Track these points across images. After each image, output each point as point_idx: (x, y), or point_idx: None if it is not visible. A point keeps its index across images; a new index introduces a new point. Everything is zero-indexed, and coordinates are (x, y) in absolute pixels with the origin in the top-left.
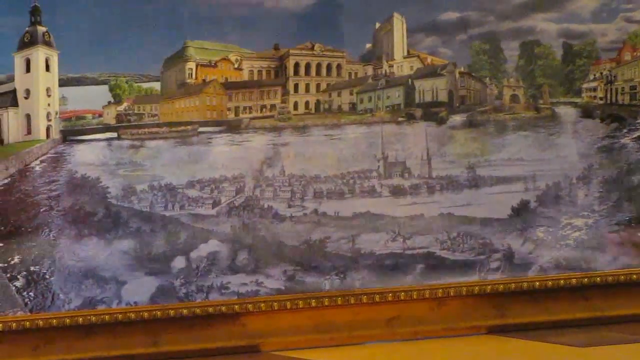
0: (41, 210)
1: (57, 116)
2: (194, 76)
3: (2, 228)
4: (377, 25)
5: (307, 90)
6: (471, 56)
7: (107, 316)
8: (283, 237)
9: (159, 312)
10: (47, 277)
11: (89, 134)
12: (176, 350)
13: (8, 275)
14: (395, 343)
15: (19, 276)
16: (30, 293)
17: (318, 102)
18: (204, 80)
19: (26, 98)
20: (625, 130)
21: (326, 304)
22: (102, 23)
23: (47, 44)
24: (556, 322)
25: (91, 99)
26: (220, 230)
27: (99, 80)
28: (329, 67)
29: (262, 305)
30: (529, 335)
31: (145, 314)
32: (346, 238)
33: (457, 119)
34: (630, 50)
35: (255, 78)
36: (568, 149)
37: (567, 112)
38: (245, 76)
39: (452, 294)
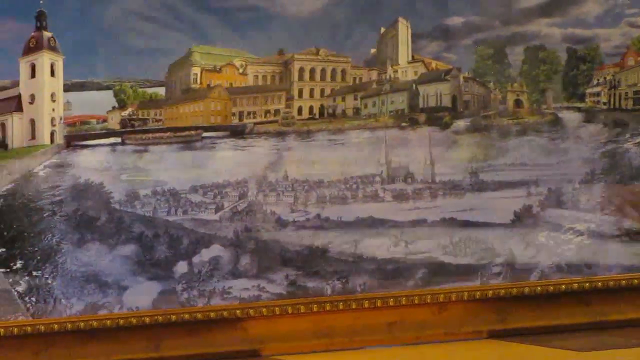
0: (44, 215)
1: (62, 121)
2: (198, 81)
3: (5, 233)
4: (382, 30)
5: (312, 95)
6: (475, 61)
7: (108, 321)
8: (285, 242)
9: (160, 317)
10: (49, 282)
11: (93, 139)
12: (177, 355)
13: (10, 280)
14: (396, 348)
15: (21, 281)
16: (32, 298)
17: (322, 107)
18: (208, 85)
19: (31, 103)
20: (628, 135)
21: (328, 308)
22: (107, 28)
23: (53, 49)
24: (558, 326)
25: (96, 104)
26: (223, 235)
27: (103, 85)
28: (333, 72)
29: (264, 310)
30: (531, 340)
31: (147, 319)
32: (348, 243)
33: (461, 123)
34: (634, 55)
35: (260, 83)
36: (571, 153)
37: (570, 117)
38: (250, 81)
39: (453, 298)
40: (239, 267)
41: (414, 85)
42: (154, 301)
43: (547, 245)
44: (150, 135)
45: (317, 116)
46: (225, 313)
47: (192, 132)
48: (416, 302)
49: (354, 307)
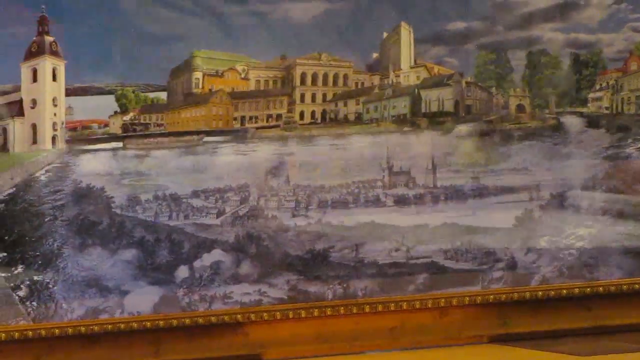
0: (45, 219)
1: (63, 126)
2: (200, 86)
3: (7, 237)
4: (385, 35)
5: (314, 100)
6: (478, 66)
7: (109, 326)
8: (287, 247)
9: (161, 322)
10: (51, 286)
11: (94, 144)
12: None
13: (11, 284)
14: (397, 352)
15: (22, 285)
16: (33, 302)
17: (324, 112)
18: (210, 90)
19: (32, 108)
20: (630, 140)
21: (329, 313)
22: (109, 33)
23: (54, 53)
24: (559, 331)
25: (97, 108)
26: (224, 240)
27: (105, 90)
28: (335, 76)
29: (265, 314)
30: (532, 344)
31: (148, 323)
32: (350, 247)
33: (463, 128)
34: (636, 60)
35: (262, 88)
36: (573, 158)
37: (572, 122)
38: (252, 86)
39: (454, 303)
40: (240, 272)
41: (416, 90)
42: (155, 306)
43: (548, 249)
44: (151, 139)
45: (319, 121)
46: (226, 318)
47: (194, 137)
48: (417, 306)
49: (355, 311)
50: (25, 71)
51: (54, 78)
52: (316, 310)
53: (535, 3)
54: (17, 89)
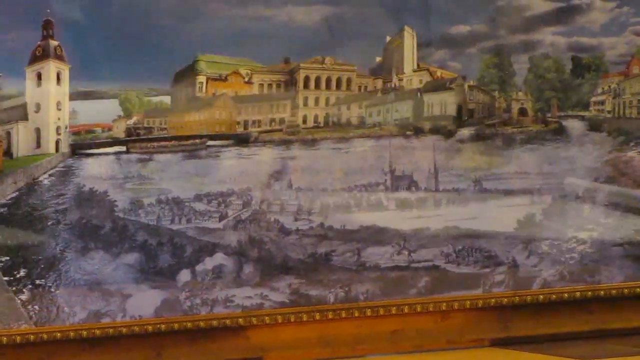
0: (48, 223)
1: (67, 130)
2: (204, 90)
3: (9, 241)
4: (388, 38)
5: (317, 103)
6: (480, 69)
7: (111, 329)
8: (289, 251)
9: (163, 326)
10: (53, 290)
11: (97, 148)
12: None
13: (13, 288)
14: (399, 356)
15: (24, 289)
16: (35, 306)
17: (327, 116)
18: (214, 93)
19: (36, 112)
20: (632, 144)
21: (330, 317)
22: (113, 37)
23: (59, 57)
24: (560, 335)
25: (101, 112)
26: (227, 244)
27: (109, 94)
28: (339, 80)
29: (267, 318)
30: (533, 348)
31: (150, 327)
32: (352, 251)
33: (465, 132)
34: (638, 63)
35: (265, 92)
36: (575, 162)
37: (574, 126)
38: (255, 90)
39: (456, 307)
40: (242, 276)
41: (419, 94)
42: (156, 309)
43: (550, 253)
44: (155, 143)
45: (322, 125)
46: (228, 321)
47: (197, 141)
48: (419, 310)
49: (356, 315)
50: (29, 75)
51: (58, 82)
52: (318, 313)
53: (538, 7)
54: (22, 92)
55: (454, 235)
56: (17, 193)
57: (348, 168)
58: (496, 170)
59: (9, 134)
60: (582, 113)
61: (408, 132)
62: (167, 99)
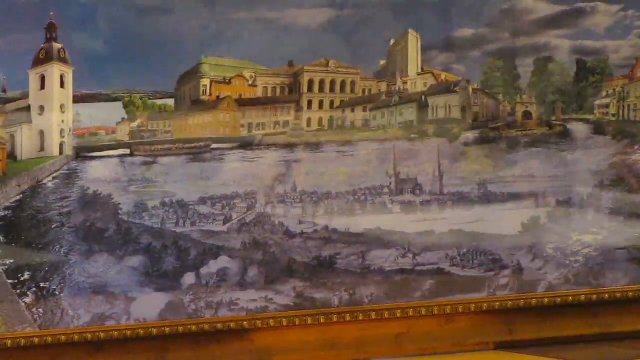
0: (52, 226)
1: (71, 133)
2: (208, 93)
3: (13, 244)
4: (392, 42)
5: (321, 106)
6: (485, 73)
7: (115, 332)
8: (293, 254)
9: (167, 329)
10: (57, 293)
11: (101, 151)
12: None
13: (18, 291)
14: (403, 359)
15: (28, 292)
16: (40, 309)
17: (331, 119)
18: (218, 96)
19: (40, 115)
20: (637, 147)
21: (335, 320)
22: (117, 40)
23: (62, 60)
24: (564, 338)
25: (105, 115)
26: (231, 247)
27: (113, 97)
28: (343, 83)
29: (271, 321)
30: (537, 351)
31: (154, 330)
32: (356, 254)
33: (470, 135)
34: None
35: (270, 94)
36: (579, 165)
37: (579, 129)
38: (259, 93)
39: (460, 310)
40: (246, 279)
41: (423, 97)
42: (161, 312)
43: (555, 256)
44: (159, 146)
45: (326, 128)
46: (232, 324)
47: (201, 144)
48: (423, 313)
49: (361, 318)
50: (33, 78)
51: (62, 85)
52: (322, 317)
53: (542, 10)
54: (25, 95)
55: (458, 238)
56: (21, 196)
57: (352, 171)
58: (501, 174)
59: (13, 136)
60: (586, 116)
61: (412, 136)
62: (171, 102)
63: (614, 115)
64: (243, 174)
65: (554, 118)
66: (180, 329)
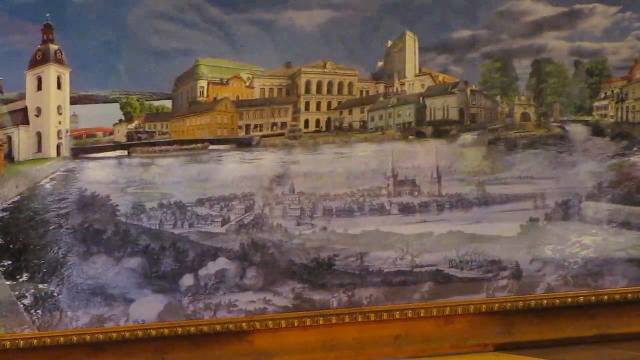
0: (50, 228)
1: (68, 134)
2: (205, 94)
3: (11, 245)
4: (390, 43)
5: (318, 108)
6: (483, 74)
7: (114, 334)
8: (292, 255)
9: (166, 330)
10: (55, 294)
11: (99, 152)
12: None
13: (16, 293)
14: None
15: (27, 294)
16: (38, 311)
17: (329, 120)
18: (215, 98)
19: (37, 116)
20: (635, 149)
21: (334, 321)
22: (114, 41)
23: (59, 61)
24: (563, 339)
25: (102, 116)
26: (229, 248)
27: (110, 98)
28: (340, 85)
29: (270, 323)
30: (536, 353)
31: (153, 331)
32: (354, 256)
33: (468, 137)
34: None
35: (267, 96)
36: (578, 167)
37: (577, 130)
38: (256, 94)
39: (459, 311)
40: (245, 280)
41: (421, 98)
42: (160, 314)
43: (553, 258)
44: (156, 148)
45: (323, 129)
46: (231, 326)
47: (199, 145)
48: (422, 315)
49: (360, 320)
50: (30, 79)
51: (59, 86)
52: (321, 318)
53: (540, 11)
54: (22, 97)
55: (457, 240)
56: (18, 197)
57: (350, 173)
58: (499, 175)
59: (10, 138)
60: (585, 118)
61: (410, 137)
62: (168, 103)
63: (612, 117)
64: (241, 175)
65: (552, 119)
66: (179, 330)
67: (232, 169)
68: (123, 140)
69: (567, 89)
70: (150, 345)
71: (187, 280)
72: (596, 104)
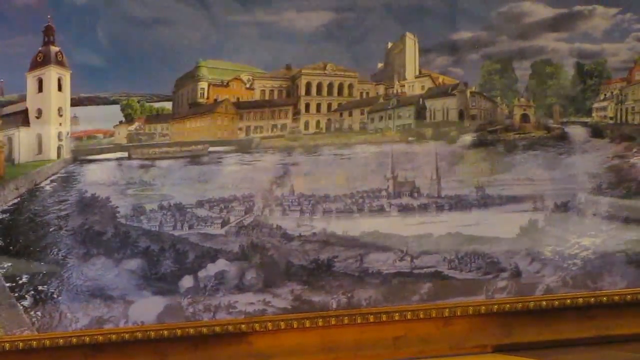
0: (50, 229)
1: (69, 136)
2: (206, 96)
3: (11, 247)
4: (390, 44)
5: (319, 109)
6: (482, 76)
7: (113, 335)
8: (291, 257)
9: (165, 332)
10: (55, 296)
11: (99, 154)
12: None
13: (16, 294)
14: None
15: (26, 295)
16: (38, 312)
17: (329, 122)
18: (215, 99)
19: (38, 118)
20: (634, 150)
21: (333, 323)
22: (114, 43)
23: (60, 63)
24: (562, 341)
25: (103, 118)
26: (229, 250)
27: (110, 100)
28: (340, 86)
29: (269, 324)
30: (535, 354)
31: (152, 333)
32: (354, 257)
33: (468, 138)
34: None
35: (267, 98)
36: (577, 168)
37: (577, 132)
38: (257, 96)
39: (458, 313)
40: (244, 282)
41: (421, 100)
42: (159, 315)
43: (553, 259)
44: (156, 149)
45: (323, 131)
46: (230, 327)
47: (199, 147)
48: (421, 316)
49: (359, 321)
50: (30, 81)
51: (60, 88)
52: (320, 320)
53: (540, 13)
54: (23, 98)
55: (456, 241)
56: (19, 199)
57: (350, 174)
58: (499, 177)
59: (10, 139)
60: (584, 119)
61: (410, 138)
62: (168, 105)
63: (611, 118)
64: (241, 177)
65: (551, 121)
66: (179, 332)
67: (232, 171)
68: (123, 142)
69: (567, 91)
70: (149, 347)
71: (187, 281)
72: (596, 105)
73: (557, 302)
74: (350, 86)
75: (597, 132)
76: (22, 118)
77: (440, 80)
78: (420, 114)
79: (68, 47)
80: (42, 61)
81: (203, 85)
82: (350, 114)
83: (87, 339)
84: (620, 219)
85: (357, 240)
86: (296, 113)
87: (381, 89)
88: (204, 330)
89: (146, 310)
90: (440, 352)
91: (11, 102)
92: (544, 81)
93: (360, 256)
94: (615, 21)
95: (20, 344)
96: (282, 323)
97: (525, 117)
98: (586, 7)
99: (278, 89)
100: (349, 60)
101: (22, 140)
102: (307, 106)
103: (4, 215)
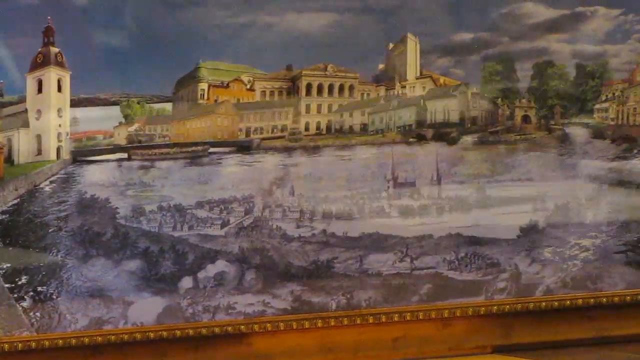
0: (49, 230)
1: (68, 137)
2: (206, 97)
3: (11, 248)
4: (391, 45)
5: (319, 110)
6: (484, 77)
7: (113, 336)
8: (291, 258)
9: (165, 333)
10: (54, 297)
11: (99, 155)
12: None
13: (15, 295)
14: None
15: (25, 296)
16: (37, 313)
17: (329, 123)
18: (215, 100)
19: (37, 119)
20: (635, 151)
21: (332, 324)
22: (114, 44)
23: (60, 64)
24: (562, 342)
25: (102, 119)
26: (229, 251)
27: (110, 101)
28: (341, 87)
29: (269, 325)
30: (535, 355)
31: (152, 334)
32: (354, 258)
33: (468, 139)
34: None
35: (268, 99)
36: (578, 169)
37: (578, 133)
38: (257, 97)
39: (458, 314)
40: (244, 283)
41: (421, 101)
42: (158, 316)
43: (553, 260)
44: (156, 150)
45: (324, 132)
46: (229, 328)
47: (199, 148)
48: (421, 317)
49: (358, 322)
50: (30, 82)
51: (59, 89)
52: (320, 320)
53: (542, 14)
54: (23, 99)
55: (456, 242)
56: (18, 200)
57: (350, 175)
58: (499, 177)
59: (10, 140)
60: (585, 120)
61: (411, 139)
62: (168, 106)
63: (613, 120)
64: (241, 178)
65: (552, 122)
66: (178, 333)
67: (232, 172)
68: (123, 143)
69: (568, 92)
70: (148, 348)
71: (186, 282)
72: (597, 106)
73: (556, 303)
74: (351, 87)
75: (598, 133)
76: (22, 119)
77: (442, 81)
78: (421, 115)
79: (67, 48)
80: (41, 62)
81: (203, 86)
82: (351, 115)
83: (86, 339)
84: (620, 220)
85: (357, 241)
86: (296, 114)
87: (382, 90)
88: (204, 331)
89: (145, 311)
90: (440, 353)
91: (11, 103)
92: (545, 82)
93: (360, 257)
94: (618, 22)
95: (19, 344)
96: (281, 324)
97: (526, 118)
98: (588, 8)
99: (278, 90)
100: (349, 61)
101: (22, 141)
102: (308, 107)
103: (4, 216)
